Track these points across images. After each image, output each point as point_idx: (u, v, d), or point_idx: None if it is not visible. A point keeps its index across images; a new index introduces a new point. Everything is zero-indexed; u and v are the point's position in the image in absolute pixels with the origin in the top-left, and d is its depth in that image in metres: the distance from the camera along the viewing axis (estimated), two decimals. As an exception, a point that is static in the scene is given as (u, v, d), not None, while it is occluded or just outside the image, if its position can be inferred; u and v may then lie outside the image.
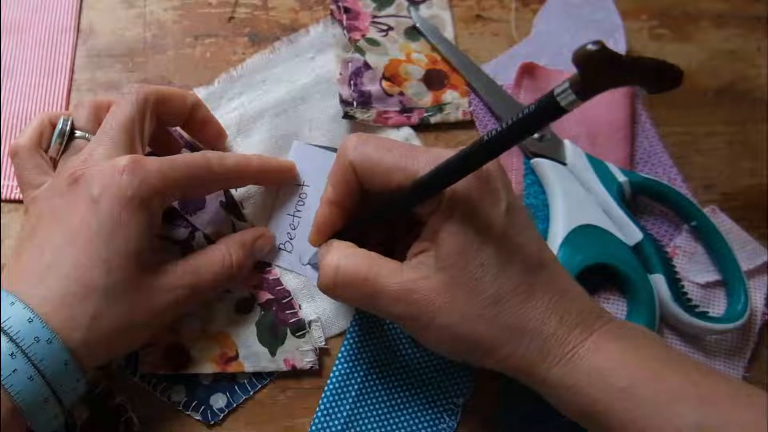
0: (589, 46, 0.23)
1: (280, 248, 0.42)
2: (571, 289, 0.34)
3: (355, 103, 0.45)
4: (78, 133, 0.38)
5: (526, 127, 0.27)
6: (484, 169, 0.32)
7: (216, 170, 0.37)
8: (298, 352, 0.39)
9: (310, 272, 0.41)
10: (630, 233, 0.41)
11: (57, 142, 0.37)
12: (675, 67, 0.25)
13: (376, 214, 0.35)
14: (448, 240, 0.32)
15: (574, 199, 0.42)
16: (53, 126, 0.38)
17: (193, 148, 0.43)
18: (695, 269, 0.43)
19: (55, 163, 0.38)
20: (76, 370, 0.32)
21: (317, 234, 0.37)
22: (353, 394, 0.39)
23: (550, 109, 0.26)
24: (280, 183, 0.42)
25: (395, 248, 0.36)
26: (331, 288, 0.35)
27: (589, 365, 0.31)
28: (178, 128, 0.43)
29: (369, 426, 0.38)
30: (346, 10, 0.48)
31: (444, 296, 0.32)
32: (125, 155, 0.35)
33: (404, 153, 0.34)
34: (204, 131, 0.42)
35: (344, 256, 0.34)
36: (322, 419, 0.38)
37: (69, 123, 0.37)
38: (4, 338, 0.30)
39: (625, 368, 0.31)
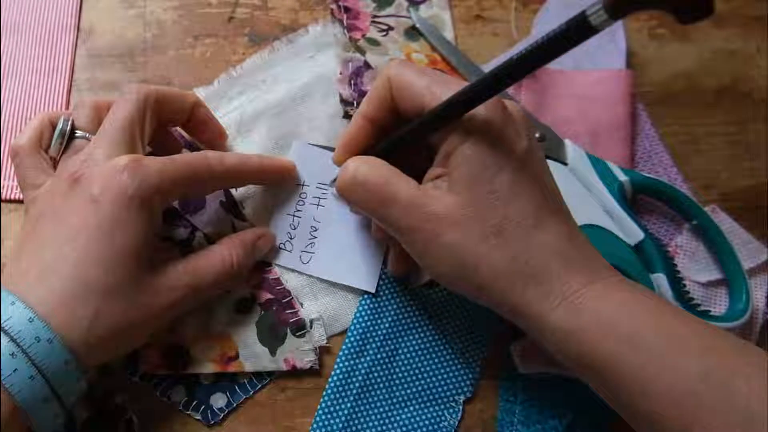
0: None
1: (280, 248, 0.42)
2: (579, 237, 0.34)
3: (355, 103, 0.45)
4: (78, 133, 0.37)
5: (555, 47, 0.27)
6: (508, 109, 0.33)
7: (216, 169, 0.37)
8: (298, 352, 0.39)
9: (312, 270, 0.41)
10: (631, 232, 0.41)
11: (57, 142, 0.37)
12: None
13: (401, 136, 0.36)
14: (463, 163, 0.33)
15: (575, 199, 0.42)
16: (53, 126, 0.38)
17: (192, 148, 0.43)
18: (697, 268, 0.43)
19: (55, 163, 0.38)
20: (77, 370, 0.32)
21: (343, 149, 0.37)
22: (354, 392, 0.39)
23: (580, 28, 0.26)
24: (281, 182, 0.42)
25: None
26: (348, 186, 0.35)
27: (594, 311, 0.31)
28: (178, 128, 0.43)
29: (370, 424, 0.38)
30: (347, 10, 0.48)
31: (452, 216, 0.33)
32: (125, 155, 0.35)
33: (437, 79, 0.34)
34: (204, 131, 0.42)
35: (365, 162, 0.35)
36: (324, 417, 0.38)
37: (69, 123, 0.37)
38: (4, 338, 0.30)
39: (631, 317, 0.31)
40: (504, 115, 0.33)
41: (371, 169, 0.35)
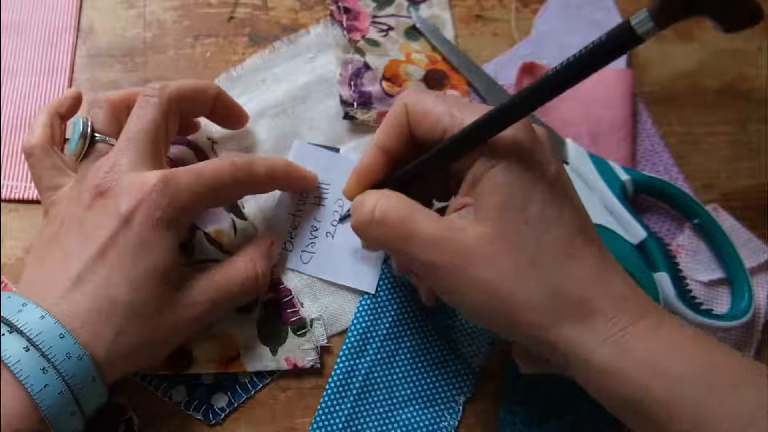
0: None
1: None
2: (617, 266, 0.32)
3: (355, 104, 0.45)
4: (98, 136, 0.36)
5: (595, 60, 0.26)
6: (536, 132, 0.32)
7: (244, 181, 0.36)
8: (299, 351, 0.39)
9: (312, 270, 0.41)
10: (633, 232, 0.41)
11: (78, 146, 0.36)
12: (755, 2, 0.23)
13: (420, 164, 0.34)
14: (492, 191, 0.31)
15: (577, 198, 0.42)
16: (61, 117, 0.37)
17: (192, 148, 0.43)
18: (699, 267, 0.43)
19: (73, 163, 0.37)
20: (101, 385, 0.31)
21: (357, 180, 0.36)
22: (355, 392, 0.39)
23: (625, 38, 0.24)
24: (304, 190, 0.42)
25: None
26: (366, 224, 0.33)
27: (643, 350, 0.29)
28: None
29: (370, 424, 0.38)
30: (346, 10, 0.48)
31: (482, 249, 0.30)
32: (154, 171, 0.34)
33: (456, 103, 0.33)
34: (227, 118, 0.42)
35: (384, 196, 0.33)
36: (324, 417, 0.38)
37: (90, 125, 0.36)
38: (36, 353, 0.29)
39: (683, 355, 0.29)
40: (533, 137, 0.31)
41: (390, 204, 0.33)
